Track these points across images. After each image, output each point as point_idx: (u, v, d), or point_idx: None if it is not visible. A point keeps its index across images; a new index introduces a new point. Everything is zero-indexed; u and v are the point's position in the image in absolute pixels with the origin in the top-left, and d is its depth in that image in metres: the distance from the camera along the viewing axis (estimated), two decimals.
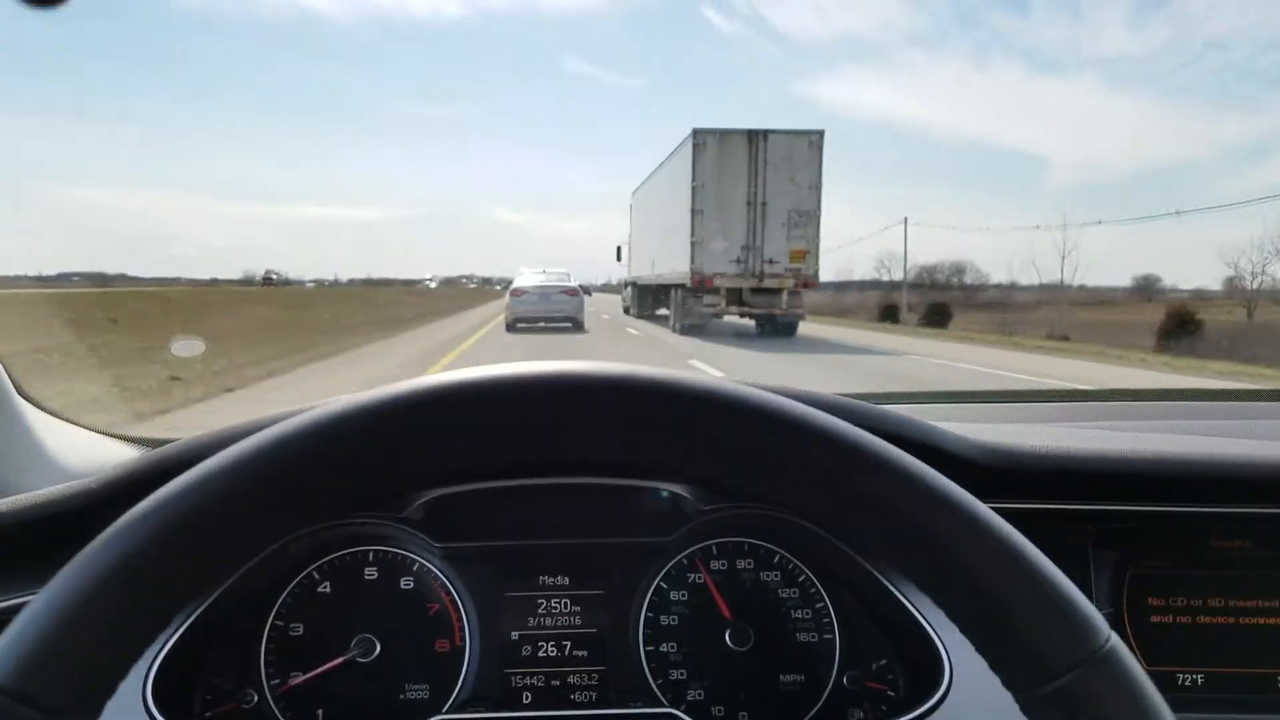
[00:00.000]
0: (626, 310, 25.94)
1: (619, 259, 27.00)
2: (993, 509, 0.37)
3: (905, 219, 37.23)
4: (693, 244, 15.08)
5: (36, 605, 0.34)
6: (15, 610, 0.35)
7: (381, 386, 0.39)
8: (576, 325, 16.49)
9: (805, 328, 16.41)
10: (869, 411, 0.70)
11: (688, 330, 15.71)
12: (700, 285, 15.14)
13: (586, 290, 21.02)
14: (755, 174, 14.94)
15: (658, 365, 0.40)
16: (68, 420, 0.92)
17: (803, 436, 0.37)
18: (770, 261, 15.04)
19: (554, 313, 16.28)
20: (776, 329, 15.76)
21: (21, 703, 0.32)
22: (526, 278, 16.87)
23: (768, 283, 15.08)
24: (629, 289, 25.81)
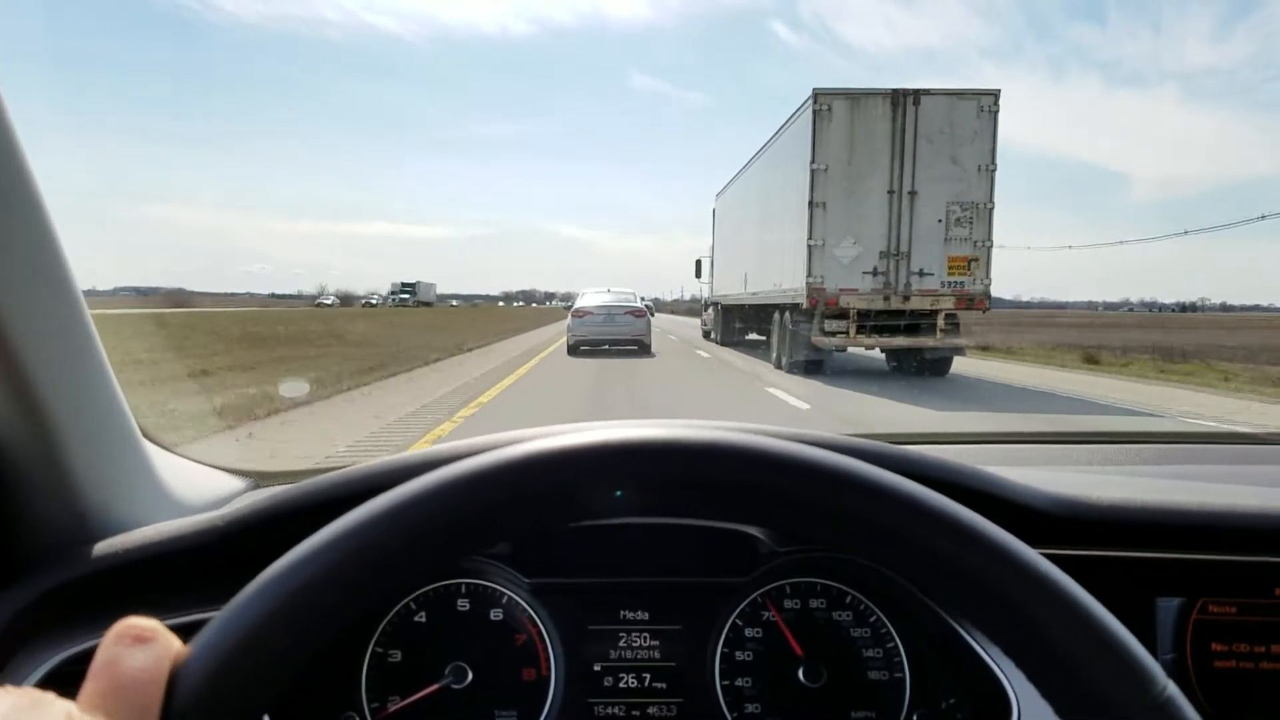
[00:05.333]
0: (707, 335, 22.12)
1: (698, 275, 23.18)
2: (1061, 555, 0.39)
3: None
4: (810, 248, 10.94)
5: (221, 623, 0.36)
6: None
7: (507, 441, 0.45)
8: (642, 348, 15.63)
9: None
10: (948, 466, 0.70)
11: (796, 368, 11.59)
12: (819, 306, 11.05)
13: (651, 310, 19.28)
14: (901, 152, 10.71)
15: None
16: (178, 454, 0.93)
17: (872, 497, 0.40)
18: (920, 274, 10.80)
19: (619, 335, 15.40)
20: (922, 366, 11.50)
21: None
22: (589, 298, 16.00)
23: (916, 303, 10.85)
24: (710, 310, 21.95)
